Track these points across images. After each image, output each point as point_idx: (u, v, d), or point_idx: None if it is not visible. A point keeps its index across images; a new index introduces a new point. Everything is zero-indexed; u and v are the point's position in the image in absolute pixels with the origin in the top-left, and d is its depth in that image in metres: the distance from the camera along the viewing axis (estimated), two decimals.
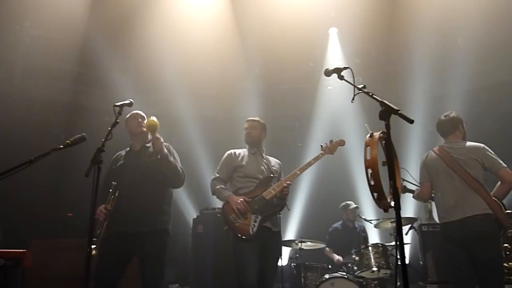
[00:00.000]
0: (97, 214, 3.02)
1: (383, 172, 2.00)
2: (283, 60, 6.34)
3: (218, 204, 5.76)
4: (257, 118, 3.71)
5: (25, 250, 3.09)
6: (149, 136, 3.34)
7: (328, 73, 2.50)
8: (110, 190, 3.13)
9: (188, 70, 6.22)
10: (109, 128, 2.65)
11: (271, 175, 3.48)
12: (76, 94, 6.23)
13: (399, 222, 1.93)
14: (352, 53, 6.60)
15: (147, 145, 3.36)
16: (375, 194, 1.97)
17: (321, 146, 3.59)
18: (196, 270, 5.34)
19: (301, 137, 6.86)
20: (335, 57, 6.69)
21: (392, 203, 1.95)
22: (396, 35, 6.21)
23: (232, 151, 3.65)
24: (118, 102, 2.82)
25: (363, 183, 6.25)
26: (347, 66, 2.45)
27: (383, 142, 2.07)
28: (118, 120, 2.72)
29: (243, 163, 3.51)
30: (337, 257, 5.15)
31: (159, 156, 3.17)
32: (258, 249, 3.23)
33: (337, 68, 2.46)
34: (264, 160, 3.58)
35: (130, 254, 3.15)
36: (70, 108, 6.20)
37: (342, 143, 3.65)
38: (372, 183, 1.95)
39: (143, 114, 3.41)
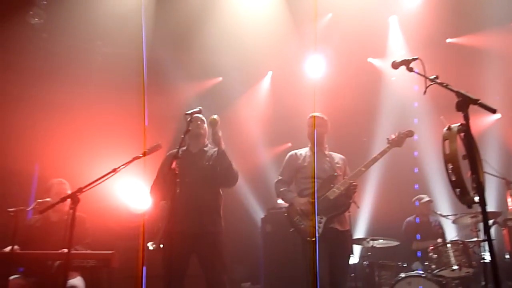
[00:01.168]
0: (159, 209, 3.18)
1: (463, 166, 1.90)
2: (343, 53, 6.21)
3: (285, 203, 5.82)
4: (321, 115, 3.62)
5: (112, 251, 3.37)
6: (207, 141, 3.44)
7: (395, 65, 2.41)
8: (172, 186, 3.25)
9: (247, 69, 6.32)
10: (182, 136, 2.79)
11: (335, 173, 3.38)
12: (146, 104, 6.60)
13: (486, 218, 1.83)
14: (415, 40, 6.29)
15: (205, 149, 3.46)
16: (458, 190, 1.87)
17: (387, 139, 3.42)
18: (267, 269, 5.43)
19: (366, 132, 6.67)
20: (397, 46, 6.42)
21: (476, 199, 1.84)
22: (464, 17, 5.82)
23: (293, 152, 3.61)
24: (188, 110, 2.95)
25: (436, 177, 5.99)
26: (416, 57, 2.35)
27: (462, 134, 1.96)
28: (190, 128, 2.85)
29: (305, 163, 3.46)
30: (427, 243, 4.87)
31: (216, 149, 3.26)
32: (327, 249, 3.18)
33: (405, 59, 2.36)
34: (327, 158, 3.49)
35: (188, 252, 3.26)
36: (141, 117, 6.58)
37: (410, 134, 3.44)
38: (454, 178, 1.85)
39: (203, 118, 3.49)
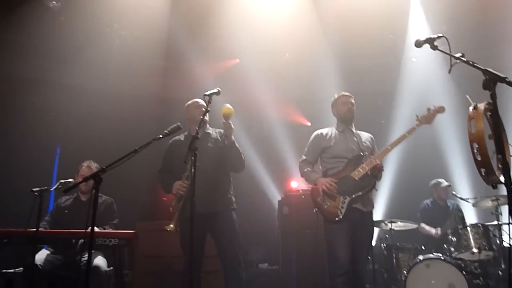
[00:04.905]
0: (177, 189, 3.22)
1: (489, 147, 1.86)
2: (362, 35, 6.07)
3: (303, 186, 5.82)
4: (350, 94, 3.56)
5: (134, 231, 3.44)
6: (207, 125, 3.50)
7: (419, 44, 2.34)
8: (187, 166, 3.25)
9: (265, 54, 6.25)
10: (201, 117, 2.80)
11: (361, 153, 3.31)
12: (163, 87, 6.63)
13: (511, 198, 1.79)
14: (437, 20, 6.10)
15: (207, 131, 3.51)
16: (483, 170, 1.84)
17: (417, 116, 3.32)
18: (284, 251, 5.47)
19: (384, 114, 6.58)
20: (418, 27, 6.24)
21: (502, 179, 1.80)
22: None
23: (319, 131, 3.55)
24: (207, 91, 2.95)
25: (457, 159, 5.87)
26: (441, 34, 2.28)
27: (489, 114, 1.91)
28: (208, 109, 2.86)
29: (331, 143, 3.40)
30: (434, 230, 4.89)
31: (226, 142, 3.33)
32: (349, 230, 3.16)
33: (430, 37, 2.29)
34: (354, 138, 3.42)
35: (203, 232, 3.31)
36: (158, 100, 6.63)
37: (441, 110, 3.31)
38: (479, 158, 1.81)
39: (204, 103, 3.46)
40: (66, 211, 3.93)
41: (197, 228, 3.20)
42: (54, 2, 5.47)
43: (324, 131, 3.54)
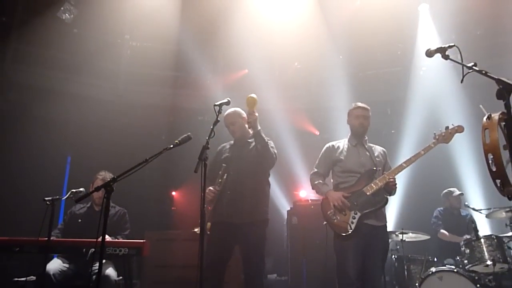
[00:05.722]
0: (207, 193, 3.18)
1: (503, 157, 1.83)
2: (370, 43, 6.08)
3: (311, 196, 5.79)
4: (366, 106, 3.45)
5: (144, 240, 3.44)
6: (251, 132, 3.42)
7: (430, 53, 2.31)
8: (220, 172, 3.30)
9: (274, 63, 6.30)
10: (211, 127, 2.80)
11: (374, 168, 3.23)
12: (173, 97, 6.69)
13: None
14: (447, 28, 6.09)
15: (249, 140, 3.47)
16: (498, 181, 1.80)
17: (434, 134, 3.23)
18: (293, 261, 5.42)
19: (394, 124, 6.54)
20: (427, 35, 6.23)
21: None
22: (496, 2, 5.59)
23: (331, 144, 3.48)
24: (217, 102, 2.96)
25: (469, 169, 5.78)
26: (453, 44, 2.27)
27: (503, 123, 1.88)
28: (219, 119, 2.86)
29: (342, 157, 3.33)
30: (459, 238, 4.71)
31: (250, 130, 3.28)
32: (359, 246, 3.09)
33: (441, 47, 2.27)
34: (367, 152, 3.34)
35: (233, 242, 3.30)
36: (168, 110, 6.69)
37: (460, 129, 3.20)
38: (494, 169, 1.78)
39: (234, 113, 3.49)
40: (79, 220, 3.96)
41: (225, 237, 3.22)
42: (67, 14, 5.58)
43: (336, 143, 3.47)
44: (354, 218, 3.11)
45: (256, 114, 3.22)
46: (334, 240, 3.22)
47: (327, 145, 3.49)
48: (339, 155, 3.36)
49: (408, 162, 3.17)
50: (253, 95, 3.22)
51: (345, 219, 3.13)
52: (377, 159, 3.34)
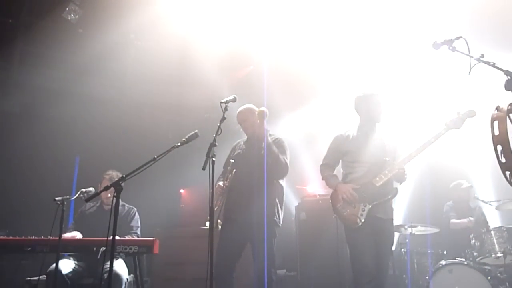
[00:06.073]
0: (216, 189, 3.21)
1: None
2: (381, 33, 5.99)
3: (319, 190, 5.78)
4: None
5: (153, 238, 3.47)
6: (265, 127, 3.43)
7: (436, 46, 2.30)
8: (228, 168, 3.36)
9: (280, 58, 6.25)
10: (218, 124, 2.81)
11: (384, 158, 3.13)
12: (178, 95, 6.70)
13: None
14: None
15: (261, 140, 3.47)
16: (507, 173, 1.79)
17: (444, 120, 3.09)
18: (302, 256, 5.43)
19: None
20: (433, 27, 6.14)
21: None
22: None
23: (340, 133, 3.35)
24: (223, 99, 2.97)
25: (478, 161, 5.71)
26: (459, 35, 2.24)
27: None
28: (225, 116, 2.87)
29: (351, 147, 3.24)
30: (466, 219, 4.71)
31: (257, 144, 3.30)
32: (371, 236, 3.06)
33: (448, 39, 2.26)
34: (378, 140, 3.22)
35: (244, 240, 3.33)
36: (173, 108, 6.70)
37: (472, 114, 3.04)
38: (503, 160, 1.77)
39: (242, 115, 3.53)
40: (90, 219, 4.00)
41: (236, 235, 3.27)
42: (72, 15, 5.60)
43: (345, 132, 3.35)
44: (363, 210, 3.07)
45: (265, 127, 3.28)
46: (346, 233, 3.21)
47: (335, 135, 3.39)
48: (348, 145, 3.27)
49: (418, 150, 3.07)
50: (263, 108, 3.29)
51: (354, 212, 3.08)
52: (387, 147, 3.22)
